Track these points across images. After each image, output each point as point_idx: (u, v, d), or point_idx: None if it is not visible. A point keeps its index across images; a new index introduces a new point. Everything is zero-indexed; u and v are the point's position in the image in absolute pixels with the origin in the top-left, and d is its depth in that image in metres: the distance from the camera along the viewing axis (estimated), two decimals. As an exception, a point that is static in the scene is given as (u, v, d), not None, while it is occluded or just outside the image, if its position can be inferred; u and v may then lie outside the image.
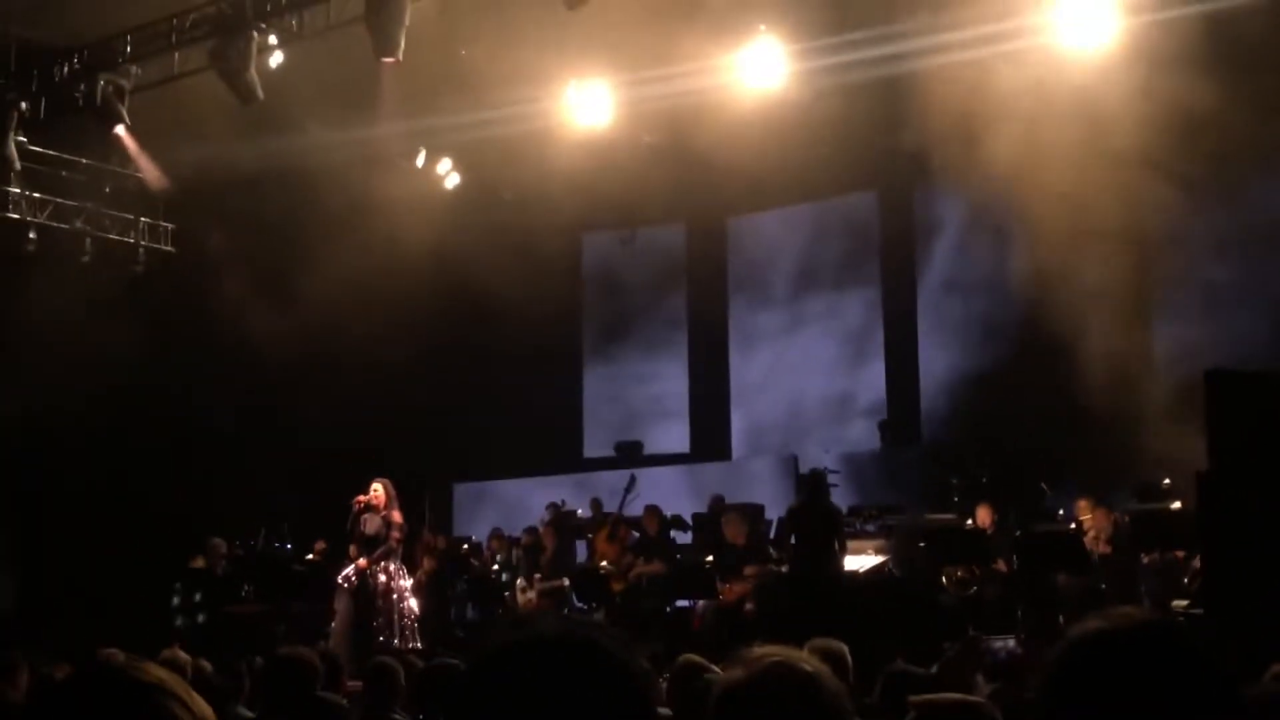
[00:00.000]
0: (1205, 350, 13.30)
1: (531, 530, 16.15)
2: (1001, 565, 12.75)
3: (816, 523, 12.47)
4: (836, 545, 12.45)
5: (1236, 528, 7.08)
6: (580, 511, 16.78)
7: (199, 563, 15.37)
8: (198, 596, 14.57)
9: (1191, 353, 12.87)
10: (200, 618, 14.18)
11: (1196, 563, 11.17)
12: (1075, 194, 12.96)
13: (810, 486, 12.94)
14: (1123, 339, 14.01)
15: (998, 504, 13.66)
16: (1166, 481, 12.42)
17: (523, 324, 19.07)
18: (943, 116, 13.09)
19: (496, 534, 16.84)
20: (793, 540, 12.83)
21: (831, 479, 15.21)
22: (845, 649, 5.78)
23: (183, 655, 8.65)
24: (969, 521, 13.44)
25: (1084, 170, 12.81)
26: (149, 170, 16.46)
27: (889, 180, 18.00)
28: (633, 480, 15.71)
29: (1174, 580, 11.51)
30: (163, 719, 1.76)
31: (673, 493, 17.28)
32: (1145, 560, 11.96)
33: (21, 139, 14.74)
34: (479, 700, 1.56)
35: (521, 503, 18.64)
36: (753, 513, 15.03)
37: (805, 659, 2.21)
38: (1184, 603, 10.36)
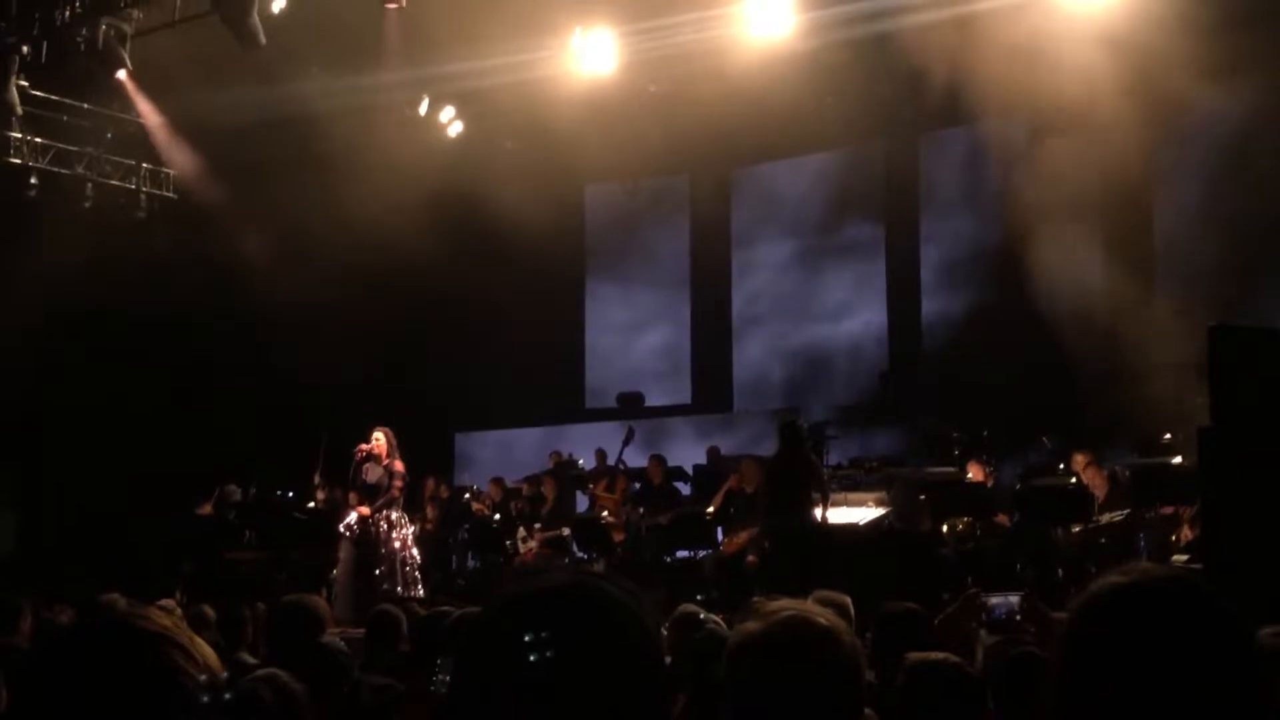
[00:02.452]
0: (1210, 302, 13.30)
1: (532, 479, 16.20)
2: (1003, 519, 12.79)
3: (794, 474, 12.36)
4: (816, 496, 12.35)
5: (1237, 484, 7.08)
6: (582, 462, 16.83)
7: (206, 509, 15.42)
8: (201, 542, 14.62)
9: (1195, 305, 12.84)
10: (203, 564, 14.21)
11: (1187, 523, 11.24)
12: (1082, 138, 12.89)
13: (785, 437, 12.73)
14: (1126, 292, 14.00)
15: (988, 459, 13.71)
16: (1167, 436, 12.43)
17: (526, 274, 19.06)
18: (948, 64, 13.04)
19: (496, 482, 16.89)
20: (771, 492, 12.76)
21: (830, 430, 15.23)
22: (849, 601, 5.80)
23: (170, 603, 8.71)
24: (969, 475, 13.46)
25: (1091, 112, 12.74)
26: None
27: (895, 130, 17.89)
28: (630, 431, 15.75)
29: (1172, 535, 11.56)
30: (165, 668, 1.78)
31: (675, 444, 17.36)
32: (1145, 515, 11.97)
33: (23, 83, 14.65)
34: (490, 650, 1.58)
35: (522, 452, 18.70)
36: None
37: (820, 613, 2.22)
38: (1183, 558, 10.39)
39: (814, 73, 14.81)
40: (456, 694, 1.58)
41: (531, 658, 1.53)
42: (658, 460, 15.28)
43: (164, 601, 8.49)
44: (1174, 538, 11.46)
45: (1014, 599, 8.51)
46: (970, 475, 13.38)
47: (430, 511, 15.91)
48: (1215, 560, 7.20)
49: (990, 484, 13.31)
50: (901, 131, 17.89)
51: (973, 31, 12.75)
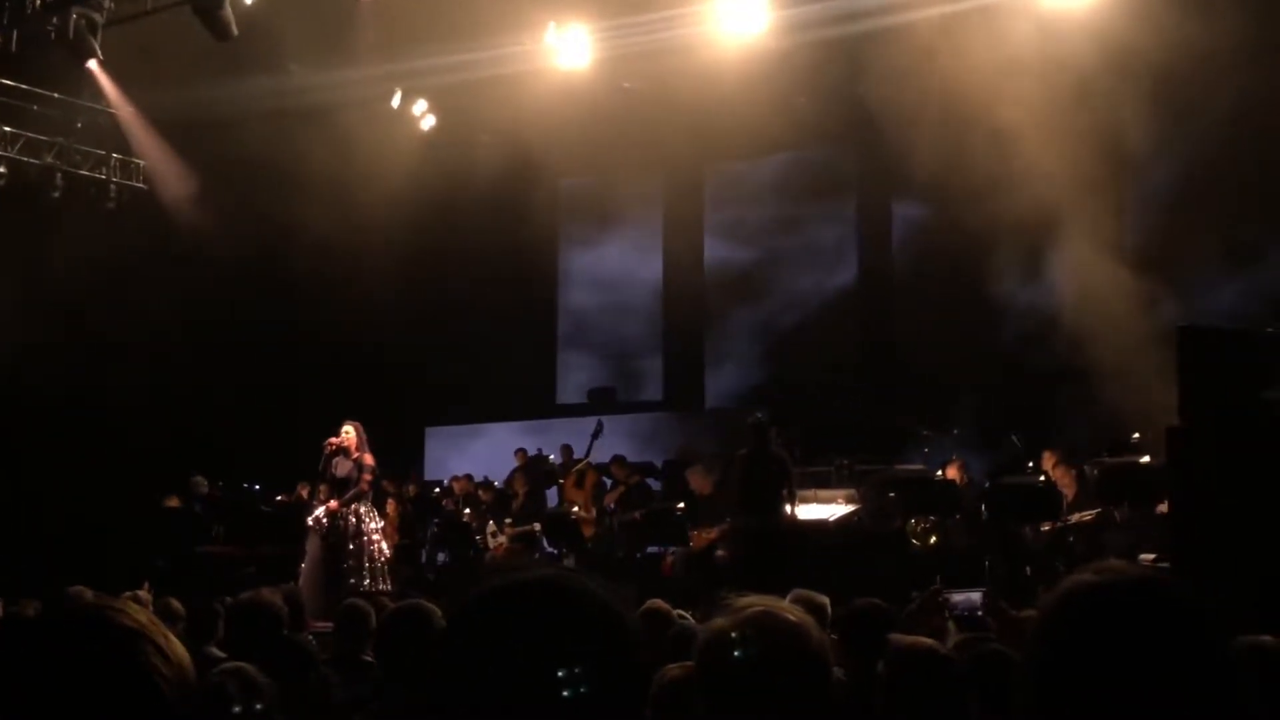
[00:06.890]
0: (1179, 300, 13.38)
1: (486, 485, 16.21)
2: (971, 517, 12.80)
3: (766, 471, 12.41)
4: (785, 493, 12.44)
5: (1205, 484, 7.13)
6: (552, 458, 16.81)
7: (173, 502, 15.34)
8: (172, 536, 14.55)
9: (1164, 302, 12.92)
10: (174, 557, 14.14)
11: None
12: (1055, 139, 12.90)
13: (754, 435, 12.79)
14: (1095, 288, 14.05)
15: (966, 460, 13.76)
16: (1136, 436, 12.48)
17: (498, 269, 19.03)
18: (918, 66, 13.07)
19: (464, 478, 16.86)
20: (741, 490, 12.81)
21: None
22: (827, 601, 5.80)
23: (144, 595, 8.66)
24: (939, 473, 13.50)
25: (1063, 117, 12.77)
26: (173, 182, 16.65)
27: (867, 129, 17.85)
28: (600, 425, 15.73)
29: (1142, 535, 11.56)
30: (138, 664, 1.74)
31: (647, 440, 17.35)
32: (1116, 515, 12.00)
33: (-8, 72, 14.56)
34: (466, 644, 1.58)
35: (494, 448, 18.66)
36: (724, 462, 15.04)
37: (789, 609, 2.22)
38: (1150, 557, 10.43)
39: (787, 71, 14.80)
40: (438, 685, 1.57)
41: (506, 653, 1.53)
42: (619, 461, 15.32)
43: (138, 592, 8.44)
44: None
45: (976, 596, 8.54)
46: (949, 475, 13.42)
47: (391, 507, 15.79)
48: (1184, 559, 7.24)
49: (963, 483, 13.34)
50: (874, 131, 17.83)
51: (948, 32, 12.78)
